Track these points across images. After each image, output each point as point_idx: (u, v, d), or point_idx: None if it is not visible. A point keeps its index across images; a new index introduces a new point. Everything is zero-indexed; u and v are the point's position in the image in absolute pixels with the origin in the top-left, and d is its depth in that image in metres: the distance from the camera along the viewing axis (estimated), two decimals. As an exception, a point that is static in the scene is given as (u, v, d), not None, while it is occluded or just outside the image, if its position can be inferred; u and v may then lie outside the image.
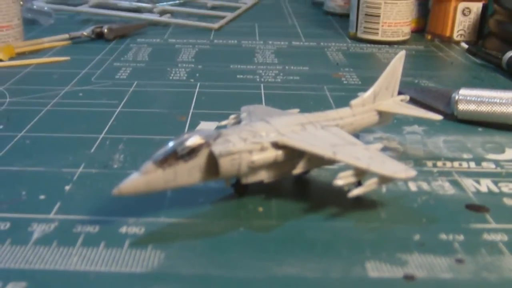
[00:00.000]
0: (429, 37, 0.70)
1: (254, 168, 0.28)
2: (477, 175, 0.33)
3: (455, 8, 0.66)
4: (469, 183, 0.32)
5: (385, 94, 0.35)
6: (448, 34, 0.68)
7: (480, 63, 0.59)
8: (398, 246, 0.26)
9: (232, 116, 0.36)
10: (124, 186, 0.25)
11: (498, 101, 0.40)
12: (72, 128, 0.39)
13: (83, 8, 0.80)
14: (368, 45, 0.67)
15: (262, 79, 0.52)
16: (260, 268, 0.24)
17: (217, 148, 0.27)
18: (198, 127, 0.40)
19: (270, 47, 0.65)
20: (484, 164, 0.35)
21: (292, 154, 0.29)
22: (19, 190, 0.31)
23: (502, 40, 0.60)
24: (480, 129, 0.41)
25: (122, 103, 0.45)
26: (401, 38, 0.67)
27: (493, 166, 0.35)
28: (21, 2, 0.71)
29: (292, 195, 0.31)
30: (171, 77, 0.52)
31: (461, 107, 0.41)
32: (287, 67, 0.57)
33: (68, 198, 0.30)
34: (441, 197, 0.31)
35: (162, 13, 0.82)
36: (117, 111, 0.43)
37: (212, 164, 0.27)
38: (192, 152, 0.26)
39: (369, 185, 0.28)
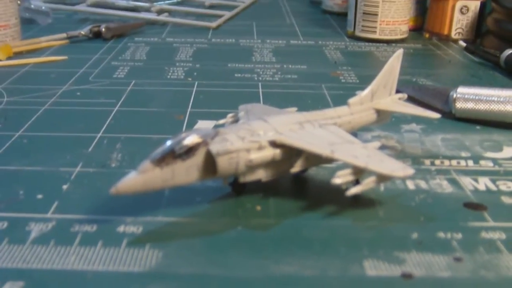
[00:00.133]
0: (427, 35, 0.70)
1: (252, 167, 0.28)
2: (475, 173, 0.33)
3: (453, 7, 0.66)
4: (467, 182, 0.32)
5: (383, 93, 0.35)
6: (446, 32, 0.68)
7: (478, 61, 0.59)
8: (396, 245, 0.26)
9: (230, 115, 0.36)
10: (122, 185, 0.25)
11: (496, 99, 0.40)
12: (70, 127, 0.39)
13: (81, 7, 0.80)
14: (366, 43, 0.67)
15: (260, 78, 0.52)
16: (258, 267, 0.24)
17: (214, 147, 0.27)
18: (196, 126, 0.40)
19: (268, 46, 0.65)
20: (482, 162, 0.35)
21: (290, 152, 0.29)
22: (17, 190, 0.31)
23: (500, 38, 0.60)
24: (478, 127, 0.41)
25: (120, 102, 0.45)
26: (399, 37, 0.67)
27: (491, 164, 0.35)
28: (19, 2, 0.71)
29: (290, 193, 0.31)
30: (169, 76, 0.52)
31: (459, 105, 0.41)
32: (285, 66, 0.56)
33: (65, 198, 0.30)
34: (439, 196, 0.31)
35: (160, 12, 0.82)
36: (115, 110, 0.43)
37: (210, 163, 0.27)
38: (190, 151, 0.26)
39: (367, 183, 0.28)
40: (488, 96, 0.40)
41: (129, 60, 0.58)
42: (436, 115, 0.35)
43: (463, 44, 0.63)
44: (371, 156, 0.28)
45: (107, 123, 0.40)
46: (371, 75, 0.36)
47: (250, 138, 0.28)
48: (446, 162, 0.35)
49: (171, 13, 0.83)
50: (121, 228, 0.27)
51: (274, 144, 0.28)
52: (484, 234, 0.27)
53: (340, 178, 0.27)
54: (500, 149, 0.37)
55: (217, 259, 0.25)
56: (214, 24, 0.75)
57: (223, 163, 0.27)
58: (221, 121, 0.36)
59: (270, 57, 0.60)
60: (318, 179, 0.32)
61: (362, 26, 0.67)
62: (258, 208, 0.29)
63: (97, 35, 0.66)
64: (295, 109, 0.36)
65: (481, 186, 0.32)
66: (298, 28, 0.76)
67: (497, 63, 0.56)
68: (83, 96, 0.46)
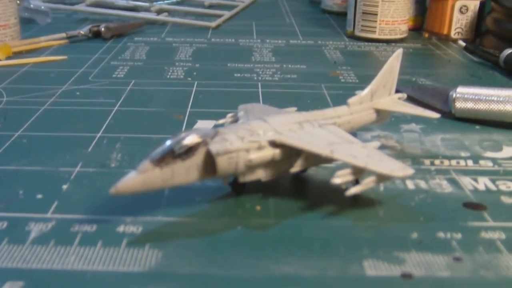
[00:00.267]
0: (426, 35, 0.70)
1: (251, 167, 0.28)
2: (474, 173, 0.33)
3: (453, 6, 0.66)
4: (466, 181, 0.32)
5: (382, 92, 0.35)
6: (445, 32, 0.68)
7: (477, 61, 0.59)
8: (396, 245, 0.26)
9: (229, 115, 0.36)
10: (121, 185, 0.25)
11: (495, 99, 0.40)
12: (69, 127, 0.39)
13: (80, 7, 0.80)
14: (366, 43, 0.67)
15: (260, 78, 0.52)
16: (258, 267, 0.24)
17: (214, 147, 0.27)
18: (196, 126, 0.40)
19: (268, 46, 0.65)
20: (481, 162, 0.35)
21: (290, 152, 0.29)
22: (16, 190, 0.31)
23: (499, 38, 0.60)
24: (477, 127, 0.41)
25: (119, 102, 0.45)
26: (398, 36, 0.67)
27: (490, 164, 0.35)
28: (18, 1, 0.71)
29: (290, 193, 0.31)
30: (168, 76, 0.52)
31: (459, 105, 0.41)
32: (284, 66, 0.56)
33: (65, 197, 0.30)
34: (438, 195, 0.31)
35: (160, 11, 0.82)
36: (114, 110, 0.43)
37: (210, 162, 0.27)
38: (190, 151, 0.26)
39: (367, 183, 0.28)
40: (487, 96, 0.40)
41: (128, 60, 0.58)
42: (435, 115, 0.35)
43: (462, 43, 0.63)
44: (371, 156, 0.28)
45: (106, 123, 0.40)
46: (371, 75, 0.36)
47: (250, 138, 0.28)
48: (446, 162, 0.35)
49: (170, 12, 0.83)
50: (120, 228, 0.27)
51: (273, 144, 0.28)
52: (484, 234, 0.27)
53: (340, 178, 0.27)
54: (499, 149, 0.37)
55: (216, 259, 0.25)
56: (213, 24, 0.75)
57: (222, 163, 0.27)
58: (221, 121, 0.36)
59: (270, 57, 0.60)
60: (317, 179, 0.32)
61: (362, 25, 0.67)
62: (258, 208, 0.29)
63: (96, 35, 0.66)
64: (294, 109, 0.36)
65: (481, 186, 0.32)
66: (297, 28, 0.76)
67: (496, 63, 0.56)
68: (83, 96, 0.46)
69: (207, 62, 0.57)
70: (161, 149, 0.26)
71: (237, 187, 0.30)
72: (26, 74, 0.52)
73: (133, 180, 0.26)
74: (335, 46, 0.66)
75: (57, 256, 0.25)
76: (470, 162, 0.35)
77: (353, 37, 0.69)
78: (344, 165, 0.28)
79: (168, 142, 0.27)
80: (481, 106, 0.40)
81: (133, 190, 0.26)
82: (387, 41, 0.67)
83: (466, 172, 0.33)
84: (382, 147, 0.34)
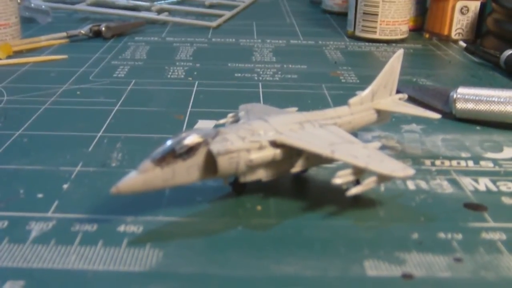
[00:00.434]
0: (427, 35, 0.70)
1: (252, 167, 0.28)
2: (475, 174, 0.33)
3: (453, 7, 0.66)
4: (467, 182, 0.32)
5: (383, 93, 0.35)
6: (446, 32, 0.68)
7: (478, 61, 0.59)
8: (396, 245, 0.26)
9: (230, 115, 0.36)
10: (122, 185, 0.25)
11: (496, 99, 0.40)
12: (70, 126, 0.39)
13: (81, 7, 0.80)
14: (366, 43, 0.67)
15: (260, 78, 0.52)
16: (258, 267, 0.24)
17: (215, 147, 0.27)
18: (196, 126, 0.40)
19: (268, 46, 0.65)
20: (482, 162, 0.35)
21: (290, 152, 0.29)
22: (17, 189, 0.31)
23: (500, 39, 0.60)
24: (478, 127, 0.41)
25: (120, 101, 0.45)
26: (399, 37, 0.67)
27: (491, 165, 0.35)
28: (19, 0, 0.71)
29: (291, 193, 0.31)
30: (169, 76, 0.52)
31: (459, 105, 0.41)
32: (285, 66, 0.56)
33: (66, 197, 0.30)
34: (439, 196, 0.31)
35: (160, 11, 0.82)
36: (115, 109, 0.43)
37: (210, 162, 0.27)
38: (190, 150, 0.26)
39: (368, 183, 0.28)
40: (488, 97, 0.40)
41: (129, 59, 0.58)
42: (436, 116, 0.35)
43: (463, 44, 0.63)
44: (372, 156, 0.28)
45: (107, 122, 0.40)
46: (371, 75, 0.37)
47: (251, 138, 0.28)
48: (447, 163, 0.35)
49: (171, 12, 0.83)
50: (121, 228, 0.27)
51: (274, 144, 0.28)
52: (485, 235, 0.27)
53: (341, 178, 0.27)
54: (500, 150, 0.37)
55: (217, 258, 0.25)
56: (214, 23, 0.75)
57: (223, 163, 0.27)
58: (222, 121, 0.36)
59: (270, 57, 0.60)
60: (318, 179, 0.32)
61: (362, 26, 0.67)
62: (259, 208, 0.29)
63: (97, 34, 0.66)
64: (295, 109, 0.36)
65: (481, 187, 0.32)
66: (298, 28, 0.76)
67: (497, 64, 0.56)
68: (83, 95, 0.46)
69: (207, 62, 0.57)
70: (162, 149, 0.26)
71: (238, 187, 0.30)
72: (27, 73, 0.52)
73: (134, 179, 0.26)
74: (336, 46, 0.66)
75: (58, 256, 0.25)
76: (470, 163, 0.35)
77: (354, 38, 0.69)
78: (345, 165, 0.28)
79: (169, 142, 0.27)
80: (482, 107, 0.40)
81: (134, 189, 0.26)
82: (388, 42, 0.67)
83: (466, 173, 0.33)
84: (382, 148, 0.34)
